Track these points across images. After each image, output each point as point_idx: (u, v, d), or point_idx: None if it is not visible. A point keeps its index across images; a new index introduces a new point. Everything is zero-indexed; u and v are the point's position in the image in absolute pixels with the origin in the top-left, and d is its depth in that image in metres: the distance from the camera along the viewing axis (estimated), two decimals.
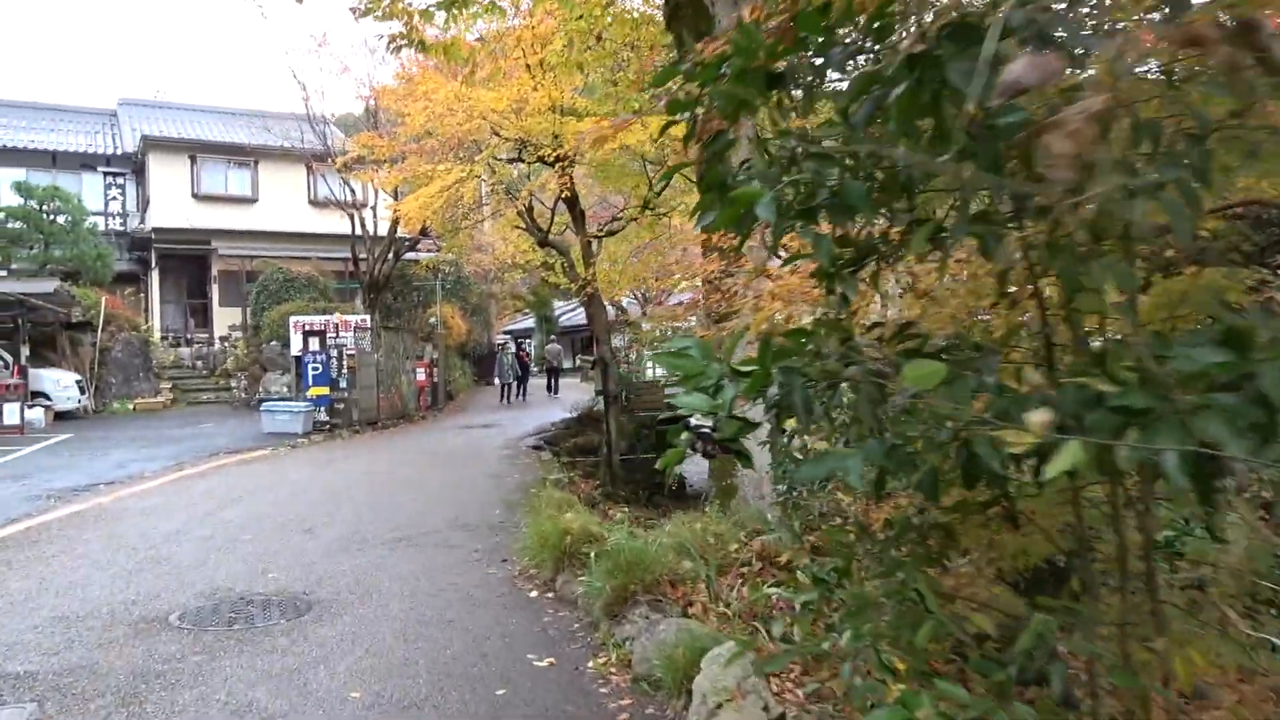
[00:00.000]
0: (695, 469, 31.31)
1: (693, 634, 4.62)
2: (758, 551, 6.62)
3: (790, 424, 2.26)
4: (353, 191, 24.67)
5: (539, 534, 7.25)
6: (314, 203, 29.17)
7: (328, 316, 20.81)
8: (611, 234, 18.98)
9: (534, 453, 17.08)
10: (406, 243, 25.32)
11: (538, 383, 30.37)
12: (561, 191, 16.29)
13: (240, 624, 5.85)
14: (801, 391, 2.19)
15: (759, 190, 1.94)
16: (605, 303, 19.86)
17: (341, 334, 20.06)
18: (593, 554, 6.34)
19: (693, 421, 2.35)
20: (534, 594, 6.62)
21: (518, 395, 27.51)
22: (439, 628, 5.75)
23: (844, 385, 2.23)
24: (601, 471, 17.89)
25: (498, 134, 16.17)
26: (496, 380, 28.74)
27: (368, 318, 21.54)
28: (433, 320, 26.57)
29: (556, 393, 30.11)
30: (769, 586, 5.90)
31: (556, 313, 43.08)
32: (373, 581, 6.96)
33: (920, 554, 2.49)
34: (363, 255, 24.44)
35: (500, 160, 18.24)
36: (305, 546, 8.26)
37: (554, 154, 15.64)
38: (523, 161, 17.28)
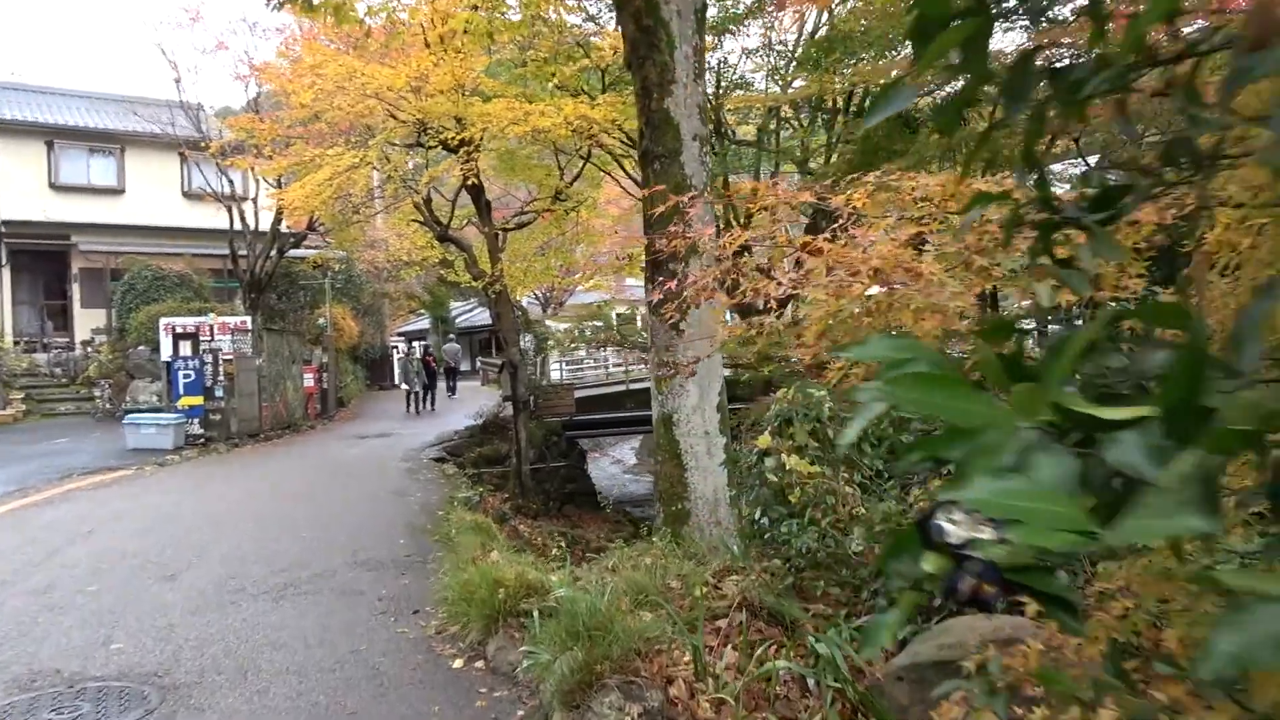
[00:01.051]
0: (603, 473, 30.07)
1: None
2: (736, 599, 5.40)
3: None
4: (231, 183, 22.56)
5: (461, 583, 5.88)
6: (188, 194, 26.79)
7: (202, 318, 18.73)
8: (521, 226, 17.59)
9: (437, 465, 15.61)
10: (291, 238, 23.37)
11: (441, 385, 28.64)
12: (466, 179, 14.81)
13: None
14: None
15: None
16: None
17: (218, 337, 18.03)
18: (535, 612, 5.03)
19: (947, 531, 0.95)
20: (459, 664, 5.23)
21: (425, 404, 25.63)
22: None
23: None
24: (511, 483, 16.60)
25: (394, 116, 14.59)
26: (403, 387, 26.90)
27: (248, 319, 19.51)
28: (321, 322, 24.74)
29: (454, 394, 28.65)
30: (763, 649, 4.69)
31: (453, 313, 41.47)
32: (249, 652, 5.45)
33: None
34: (243, 251, 22.32)
35: (396, 145, 16.64)
36: (165, 599, 6.67)
37: (457, 138, 14.17)
38: (421, 146, 15.70)
